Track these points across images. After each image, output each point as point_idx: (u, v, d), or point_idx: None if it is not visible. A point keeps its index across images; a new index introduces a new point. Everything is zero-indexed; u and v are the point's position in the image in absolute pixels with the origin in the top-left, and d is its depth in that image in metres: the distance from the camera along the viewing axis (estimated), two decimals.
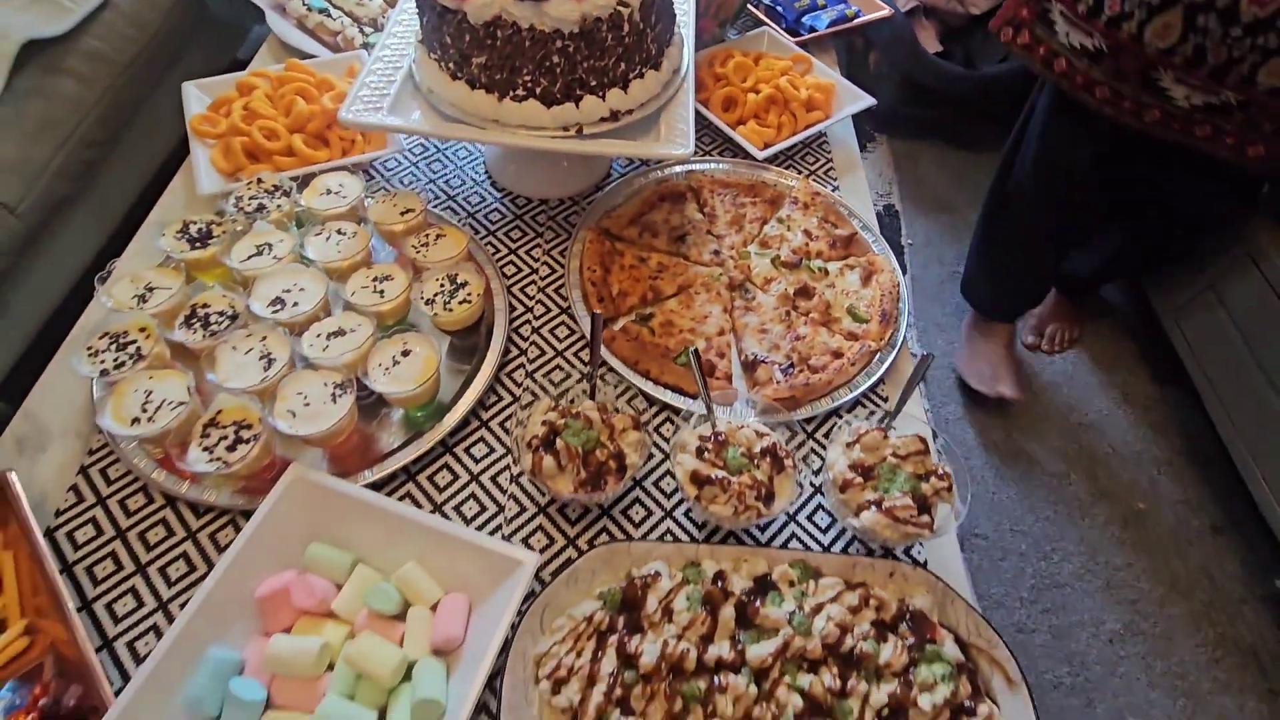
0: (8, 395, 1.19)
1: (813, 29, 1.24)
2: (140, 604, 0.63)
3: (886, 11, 1.30)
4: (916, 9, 2.12)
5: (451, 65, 0.78)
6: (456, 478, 0.72)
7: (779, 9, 1.26)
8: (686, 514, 0.71)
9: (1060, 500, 1.49)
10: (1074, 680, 1.27)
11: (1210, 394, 1.49)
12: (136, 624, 0.62)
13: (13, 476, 0.64)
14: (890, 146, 2.20)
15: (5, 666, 0.56)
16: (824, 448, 0.75)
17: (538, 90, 0.76)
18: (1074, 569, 1.40)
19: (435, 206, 0.95)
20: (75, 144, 1.30)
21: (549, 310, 0.86)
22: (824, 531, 0.71)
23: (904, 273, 1.87)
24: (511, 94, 0.77)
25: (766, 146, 1.01)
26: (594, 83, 0.78)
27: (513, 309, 0.85)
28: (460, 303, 0.76)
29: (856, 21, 1.28)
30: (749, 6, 1.25)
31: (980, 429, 1.59)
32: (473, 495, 0.71)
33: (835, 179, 1.05)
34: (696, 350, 0.72)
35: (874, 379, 0.80)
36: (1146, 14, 1.02)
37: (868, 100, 1.09)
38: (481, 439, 0.75)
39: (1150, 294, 1.66)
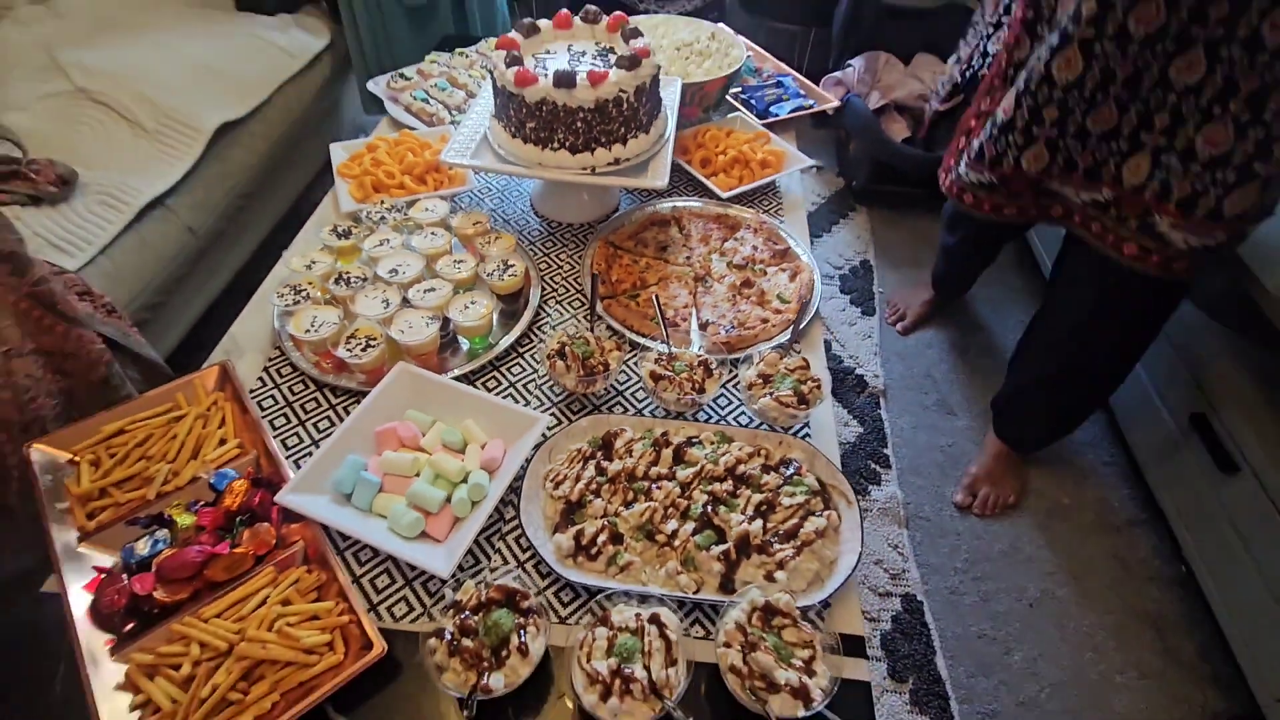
0: (185, 347, 1.64)
1: (775, 115, 1.68)
2: (301, 441, 1.00)
3: (836, 103, 1.73)
4: (888, 106, 2.58)
5: (512, 127, 1.21)
6: (500, 384, 1.09)
7: (751, 100, 1.71)
8: (651, 412, 1.06)
9: None
10: (995, 633, 1.51)
11: (1125, 416, 1.78)
12: (300, 451, 0.98)
13: (229, 361, 1.03)
14: (868, 215, 2.60)
15: (228, 461, 0.93)
16: None
17: (567, 144, 1.18)
18: (1003, 548, 1.66)
19: (494, 226, 1.36)
20: (236, 194, 1.79)
21: (568, 291, 1.25)
22: (743, 428, 1.05)
23: (873, 312, 2.22)
24: (549, 146, 1.19)
25: (730, 190, 1.41)
26: (604, 139, 1.19)
27: (544, 289, 1.24)
28: (509, 275, 1.15)
29: (811, 109, 1.71)
30: (727, 97, 1.69)
31: (930, 435, 1.89)
32: (510, 395, 1.07)
33: (782, 216, 1.44)
34: (657, 296, 1.09)
35: (789, 336, 1.15)
36: (1018, 150, 1.27)
37: (809, 161, 1.49)
38: (518, 363, 1.12)
39: None
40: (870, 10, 2.65)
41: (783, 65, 1.86)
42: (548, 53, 1.27)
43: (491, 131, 1.27)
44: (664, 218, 1.37)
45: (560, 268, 1.30)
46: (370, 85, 1.68)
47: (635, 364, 1.12)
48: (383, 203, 1.28)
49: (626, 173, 1.23)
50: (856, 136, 2.47)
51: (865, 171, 2.56)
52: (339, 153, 1.44)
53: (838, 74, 2.52)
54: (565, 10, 1.31)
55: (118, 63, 1.70)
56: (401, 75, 1.69)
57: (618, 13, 1.29)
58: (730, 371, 1.09)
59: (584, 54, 1.26)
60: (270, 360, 1.10)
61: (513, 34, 1.25)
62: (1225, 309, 1.47)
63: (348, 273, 1.13)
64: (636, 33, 1.24)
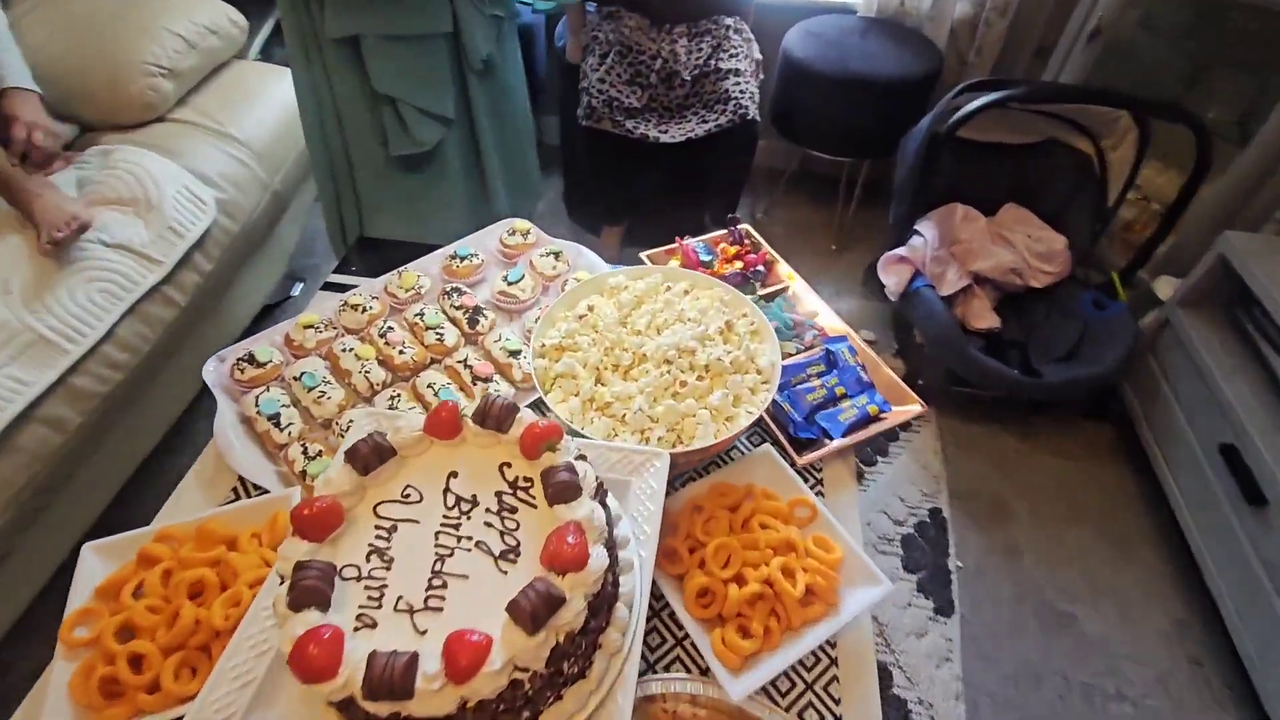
0: None
1: (826, 437, 1.06)
2: None
3: (917, 409, 1.11)
4: (969, 287, 1.95)
5: None
6: None
7: (787, 404, 1.09)
8: None
9: None
10: None
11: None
12: None
13: None
14: (939, 425, 1.96)
15: None
16: None
17: None
18: None
19: None
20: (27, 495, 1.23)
21: None
22: None
23: (951, 612, 1.59)
24: None
25: (743, 670, 0.80)
26: None
27: None
28: None
29: (880, 425, 1.09)
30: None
31: None
32: None
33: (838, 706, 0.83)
34: None
35: None
36: None
37: (884, 586, 0.87)
38: None
39: None
40: (949, 150, 2.03)
41: (839, 323, 1.23)
42: (404, 498, 0.67)
43: None
44: None
45: None
46: (205, 373, 1.11)
47: None
48: None
49: None
50: (931, 341, 1.84)
51: (937, 372, 1.92)
52: (95, 566, 0.86)
53: (902, 250, 1.89)
54: (453, 404, 0.71)
55: None
56: (252, 358, 1.11)
57: (549, 423, 0.69)
58: None
59: (470, 510, 0.66)
60: None
61: (333, 477, 0.66)
62: None
63: None
64: (571, 492, 0.64)
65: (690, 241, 1.34)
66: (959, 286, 1.90)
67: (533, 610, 0.55)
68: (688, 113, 1.97)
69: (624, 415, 0.90)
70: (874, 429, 1.08)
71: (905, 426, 1.96)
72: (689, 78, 1.92)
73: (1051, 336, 1.86)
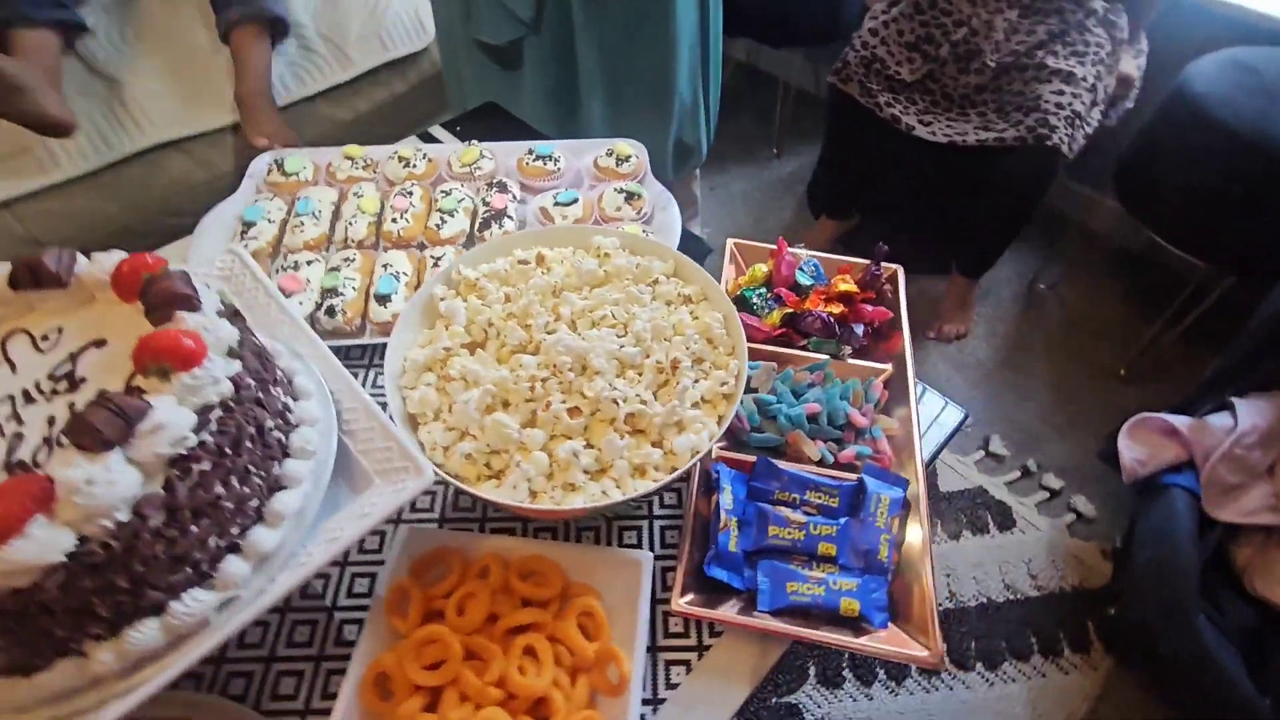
0: None
1: (749, 600, 0.67)
2: None
3: (922, 655, 0.63)
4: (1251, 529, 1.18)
5: None
6: None
7: (732, 520, 0.71)
8: None
9: None
10: None
11: None
12: None
13: None
14: (1107, 680, 1.29)
15: None
16: None
17: None
18: None
19: None
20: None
21: None
22: None
23: None
24: None
25: None
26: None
27: None
28: None
29: (840, 637, 0.65)
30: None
31: None
32: None
33: None
34: None
35: None
36: None
37: None
38: None
39: None
40: None
41: (919, 465, 0.77)
42: (40, 339, 0.53)
43: None
44: None
45: None
46: (253, 161, 1.10)
47: None
48: None
49: None
50: (1145, 564, 1.16)
51: (1140, 613, 1.24)
52: None
53: (1177, 421, 1.18)
54: (152, 261, 0.53)
55: None
56: (281, 164, 1.06)
57: (189, 342, 0.46)
58: None
59: (61, 394, 0.49)
60: None
61: None
62: None
63: None
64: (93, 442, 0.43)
65: (797, 251, 0.96)
66: (1261, 520, 1.15)
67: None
68: (970, 110, 1.44)
69: (451, 405, 0.64)
70: (828, 636, 0.65)
71: (1058, 641, 1.32)
72: (993, 63, 1.38)
73: None
